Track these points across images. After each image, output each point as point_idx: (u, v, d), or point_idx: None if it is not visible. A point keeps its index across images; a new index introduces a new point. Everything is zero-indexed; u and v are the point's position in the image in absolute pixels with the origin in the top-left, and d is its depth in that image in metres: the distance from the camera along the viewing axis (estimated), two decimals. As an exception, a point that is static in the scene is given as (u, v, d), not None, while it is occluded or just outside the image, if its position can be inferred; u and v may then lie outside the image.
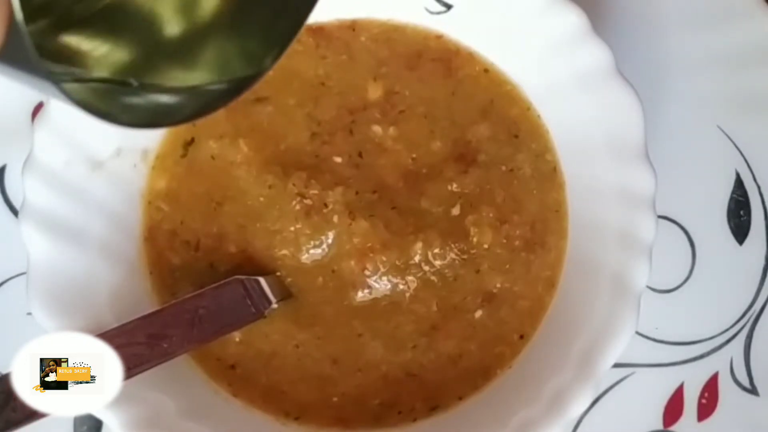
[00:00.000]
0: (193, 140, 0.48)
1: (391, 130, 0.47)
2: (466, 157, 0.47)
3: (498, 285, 0.46)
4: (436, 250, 0.45)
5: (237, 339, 0.45)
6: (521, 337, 0.46)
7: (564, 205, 0.46)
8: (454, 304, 0.46)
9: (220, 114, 0.47)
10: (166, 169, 0.48)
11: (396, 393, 0.45)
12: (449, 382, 0.45)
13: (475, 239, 0.46)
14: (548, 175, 0.47)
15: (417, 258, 0.45)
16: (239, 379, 0.45)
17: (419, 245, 0.45)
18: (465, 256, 0.46)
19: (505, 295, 0.46)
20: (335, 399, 0.45)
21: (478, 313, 0.46)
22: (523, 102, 0.47)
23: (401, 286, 0.46)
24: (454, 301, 0.46)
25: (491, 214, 0.46)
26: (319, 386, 0.45)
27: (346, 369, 0.45)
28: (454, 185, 0.46)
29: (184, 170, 0.48)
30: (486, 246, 0.46)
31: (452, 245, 0.45)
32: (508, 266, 0.46)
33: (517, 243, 0.46)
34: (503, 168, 0.47)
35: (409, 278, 0.46)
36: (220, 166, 0.47)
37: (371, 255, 0.45)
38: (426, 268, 0.46)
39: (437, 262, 0.46)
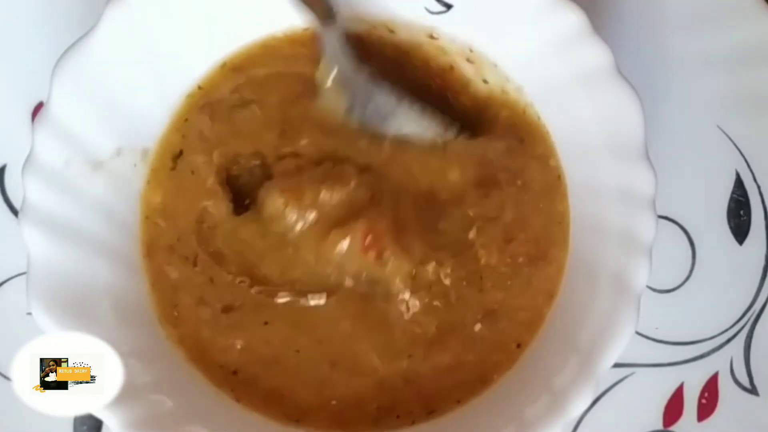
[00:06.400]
0: (181, 153, 0.47)
1: None
2: (487, 180, 0.46)
3: (499, 300, 0.45)
4: (447, 270, 0.45)
5: (239, 346, 0.45)
6: (518, 345, 0.45)
7: (567, 216, 0.46)
8: (455, 321, 0.45)
9: (205, 121, 0.47)
10: (159, 183, 0.47)
11: (394, 397, 0.45)
12: (447, 389, 0.45)
13: (483, 260, 0.45)
14: (553, 184, 0.46)
15: (427, 277, 0.45)
16: (241, 384, 0.45)
17: (431, 265, 0.45)
18: (472, 276, 0.45)
19: (505, 309, 0.45)
20: (334, 402, 0.45)
21: (477, 327, 0.45)
22: (523, 102, 0.47)
23: (406, 301, 0.45)
24: (455, 318, 0.45)
25: (499, 235, 0.45)
26: (318, 390, 0.45)
27: (344, 373, 0.45)
28: (474, 211, 0.45)
29: (174, 185, 0.47)
30: (492, 265, 0.45)
31: (461, 266, 0.45)
32: (509, 282, 0.46)
33: (521, 260, 0.45)
34: (518, 183, 0.46)
35: (416, 296, 0.45)
36: (200, 187, 0.46)
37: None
38: (434, 288, 0.45)
39: (446, 282, 0.45)
